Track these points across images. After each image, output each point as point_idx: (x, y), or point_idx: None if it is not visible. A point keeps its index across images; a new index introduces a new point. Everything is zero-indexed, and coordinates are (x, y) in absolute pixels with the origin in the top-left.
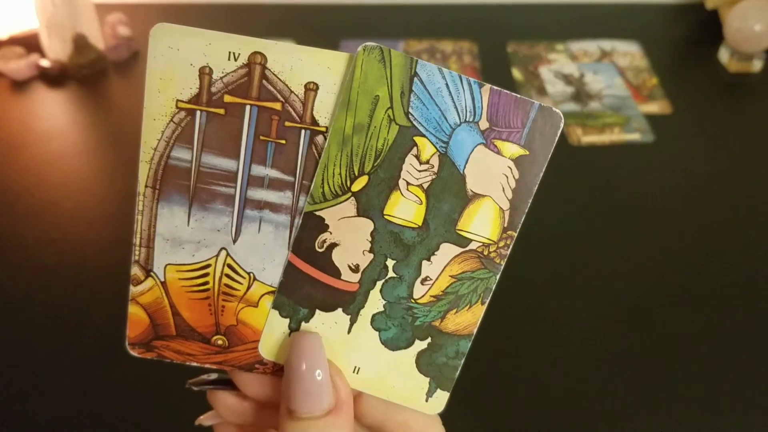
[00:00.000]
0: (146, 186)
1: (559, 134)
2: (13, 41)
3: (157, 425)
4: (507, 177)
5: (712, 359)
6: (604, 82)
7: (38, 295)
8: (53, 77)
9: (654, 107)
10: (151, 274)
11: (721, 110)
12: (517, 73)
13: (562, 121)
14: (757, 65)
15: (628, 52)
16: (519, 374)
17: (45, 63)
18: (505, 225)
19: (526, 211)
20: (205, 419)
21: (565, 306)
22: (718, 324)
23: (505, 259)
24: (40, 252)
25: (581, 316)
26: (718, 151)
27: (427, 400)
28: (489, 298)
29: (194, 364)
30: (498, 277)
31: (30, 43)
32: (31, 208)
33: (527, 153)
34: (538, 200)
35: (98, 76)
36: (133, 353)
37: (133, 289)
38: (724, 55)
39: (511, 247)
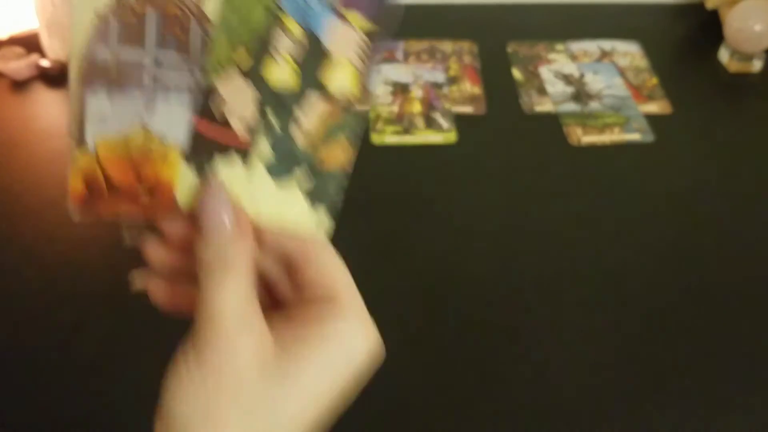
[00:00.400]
0: (75, 79)
1: (400, 15)
2: (13, 41)
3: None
4: (359, 45)
5: (712, 357)
6: (604, 82)
7: (39, 294)
8: (53, 77)
9: (654, 107)
10: (84, 146)
11: (721, 110)
12: (517, 73)
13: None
14: (757, 65)
15: (628, 52)
16: (518, 373)
17: (45, 63)
18: (361, 84)
19: (374, 77)
20: (136, 278)
21: (565, 304)
22: (718, 323)
23: (367, 113)
24: (41, 251)
25: (581, 314)
26: (718, 151)
27: (315, 226)
28: (357, 140)
29: (127, 219)
30: (362, 123)
31: (30, 43)
32: (31, 207)
33: (375, 27)
34: (538, 199)
35: None
36: (75, 216)
37: (71, 161)
38: (724, 55)
39: (369, 105)
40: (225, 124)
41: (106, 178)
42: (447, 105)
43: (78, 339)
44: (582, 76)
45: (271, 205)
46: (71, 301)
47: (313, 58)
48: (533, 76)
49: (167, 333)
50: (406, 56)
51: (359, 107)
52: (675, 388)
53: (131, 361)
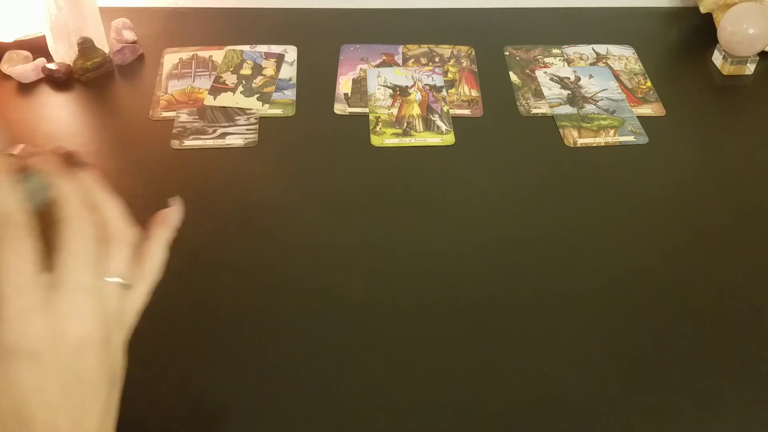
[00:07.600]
0: None
1: None
2: (20, 45)
3: (156, 425)
4: None
5: (705, 358)
6: (600, 86)
7: None
8: (59, 80)
9: (648, 110)
10: None
11: (714, 113)
12: (514, 77)
13: None
14: (750, 68)
15: (623, 56)
16: (516, 372)
17: (51, 66)
18: None
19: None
20: None
21: (560, 303)
22: (711, 322)
23: None
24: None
25: (577, 314)
26: (711, 153)
27: None
28: None
29: None
30: None
31: (36, 47)
32: None
33: None
34: (534, 202)
35: (104, 79)
36: None
37: None
38: (717, 58)
39: None
40: None
41: None
42: (445, 108)
43: None
44: (578, 79)
45: None
46: None
47: None
48: (530, 80)
49: (170, 332)
50: (405, 60)
51: None
52: (669, 387)
53: (134, 357)
